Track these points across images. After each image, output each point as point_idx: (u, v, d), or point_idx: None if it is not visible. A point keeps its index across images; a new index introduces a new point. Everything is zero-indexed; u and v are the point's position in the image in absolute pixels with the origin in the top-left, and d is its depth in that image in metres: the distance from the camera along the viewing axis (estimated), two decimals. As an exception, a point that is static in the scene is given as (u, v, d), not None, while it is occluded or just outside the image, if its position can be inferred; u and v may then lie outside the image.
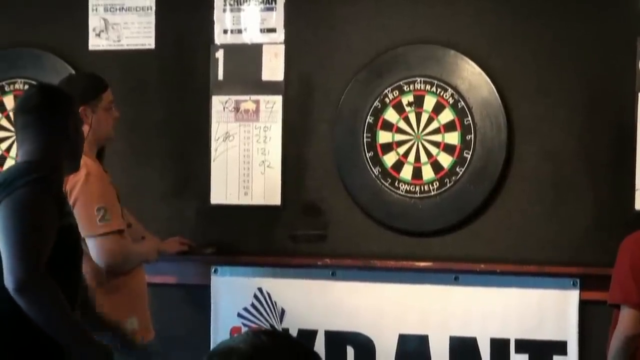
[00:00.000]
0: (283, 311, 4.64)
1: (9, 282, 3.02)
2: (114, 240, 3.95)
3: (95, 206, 3.92)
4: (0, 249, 3.07)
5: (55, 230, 3.13)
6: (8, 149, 5.01)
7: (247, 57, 4.79)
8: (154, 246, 4.35)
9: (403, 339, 4.54)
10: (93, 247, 3.92)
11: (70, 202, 3.84)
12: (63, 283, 3.12)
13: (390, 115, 4.62)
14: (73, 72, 4.83)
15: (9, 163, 4.98)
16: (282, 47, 4.76)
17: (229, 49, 4.81)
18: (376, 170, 4.62)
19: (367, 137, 4.64)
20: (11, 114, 4.99)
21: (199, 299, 4.75)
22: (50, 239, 3.11)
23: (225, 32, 4.82)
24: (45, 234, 3.10)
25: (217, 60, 4.81)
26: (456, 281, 4.48)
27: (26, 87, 4.98)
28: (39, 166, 3.22)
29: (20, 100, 3.41)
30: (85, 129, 4.11)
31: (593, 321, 4.32)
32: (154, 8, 4.88)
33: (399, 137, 4.61)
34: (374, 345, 4.56)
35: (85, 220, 3.83)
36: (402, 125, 4.61)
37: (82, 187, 3.95)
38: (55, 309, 3.07)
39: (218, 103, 4.81)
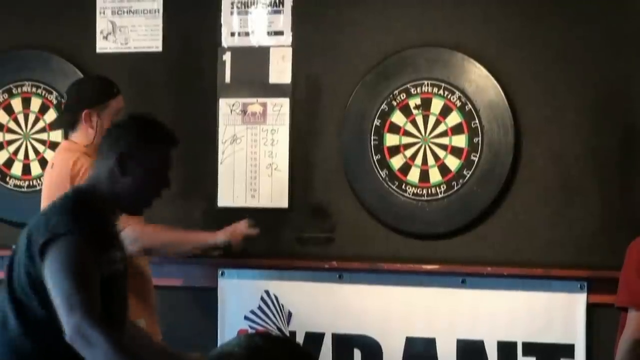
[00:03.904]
0: (290, 314, 4.64)
1: (67, 332, 2.94)
2: (130, 229, 3.99)
3: None
4: (56, 302, 2.98)
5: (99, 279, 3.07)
6: (16, 152, 5.02)
7: (254, 59, 4.79)
8: (199, 236, 4.38)
9: (410, 342, 4.53)
10: None
11: None
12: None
13: (398, 118, 4.62)
14: (80, 74, 4.85)
15: (17, 166, 4.99)
16: (290, 49, 4.76)
17: (236, 51, 4.81)
18: (383, 173, 4.62)
19: (374, 140, 4.64)
20: (20, 117, 5.00)
21: (205, 302, 4.75)
22: (98, 286, 3.04)
23: (232, 34, 4.82)
24: (93, 282, 3.03)
25: (224, 62, 4.82)
26: (463, 284, 4.48)
27: (33, 89, 4.99)
28: (85, 202, 3.14)
29: (122, 121, 3.33)
30: (90, 132, 4.14)
31: (601, 324, 4.31)
32: (161, 11, 4.89)
33: (406, 139, 4.61)
34: (381, 348, 4.56)
35: None
36: (409, 128, 4.60)
37: None
38: (116, 355, 2.94)
39: (225, 106, 4.81)
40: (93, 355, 2.95)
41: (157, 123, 3.29)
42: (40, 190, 4.38)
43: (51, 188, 4.15)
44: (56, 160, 4.21)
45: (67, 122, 4.27)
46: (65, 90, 4.40)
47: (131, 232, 4.04)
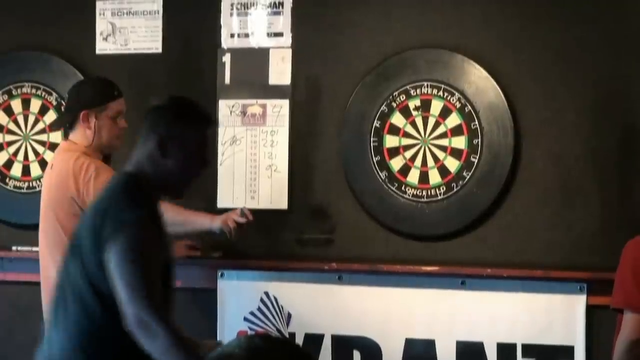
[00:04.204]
0: (289, 315, 4.64)
1: (127, 321, 2.98)
2: None
3: None
4: (119, 291, 3.01)
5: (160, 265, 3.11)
6: (15, 153, 5.02)
7: (254, 61, 4.79)
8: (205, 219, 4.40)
9: (410, 344, 4.53)
10: None
11: (89, 198, 3.89)
12: None
13: (397, 119, 4.62)
14: (80, 76, 4.86)
15: (17, 167, 4.99)
16: (289, 51, 4.76)
17: (236, 52, 4.81)
18: (383, 175, 4.61)
19: (374, 141, 4.63)
20: (19, 118, 5.01)
21: (205, 303, 4.75)
22: (159, 273, 3.09)
23: (232, 36, 4.82)
24: (156, 269, 3.07)
25: (224, 64, 4.82)
26: (463, 285, 4.47)
27: (33, 90, 4.99)
28: (140, 187, 3.17)
29: (160, 104, 3.34)
30: (89, 133, 4.15)
31: (600, 326, 4.30)
32: (161, 12, 4.89)
33: (405, 141, 4.61)
34: (380, 350, 4.55)
35: None
36: (409, 129, 4.60)
37: (96, 181, 3.98)
38: (174, 345, 2.99)
39: (225, 107, 4.81)
40: (152, 346, 2.98)
41: (192, 104, 3.35)
42: (39, 192, 4.38)
43: (51, 189, 4.16)
44: (55, 161, 4.22)
45: (66, 122, 4.27)
46: (67, 90, 4.42)
47: None
